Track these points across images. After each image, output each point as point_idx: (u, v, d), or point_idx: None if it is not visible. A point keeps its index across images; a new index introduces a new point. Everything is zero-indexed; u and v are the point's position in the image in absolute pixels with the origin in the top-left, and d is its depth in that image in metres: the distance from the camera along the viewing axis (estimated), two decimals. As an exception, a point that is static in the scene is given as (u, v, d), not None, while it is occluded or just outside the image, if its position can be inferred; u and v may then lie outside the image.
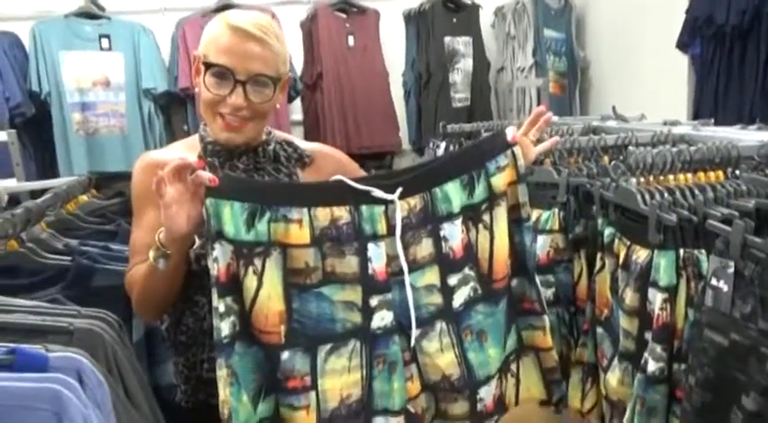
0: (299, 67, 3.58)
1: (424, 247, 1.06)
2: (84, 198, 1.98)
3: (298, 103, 3.72)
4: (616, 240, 1.30)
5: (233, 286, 0.95)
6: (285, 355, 0.97)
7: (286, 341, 0.97)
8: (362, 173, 1.34)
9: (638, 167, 1.29)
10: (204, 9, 3.36)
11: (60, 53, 3.17)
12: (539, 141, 1.23)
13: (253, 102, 1.13)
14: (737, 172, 1.32)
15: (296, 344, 0.97)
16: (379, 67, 3.71)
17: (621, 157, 1.51)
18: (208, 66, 1.12)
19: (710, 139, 1.52)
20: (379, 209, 1.02)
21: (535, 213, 1.54)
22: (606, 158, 1.64)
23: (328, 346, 0.99)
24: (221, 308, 0.94)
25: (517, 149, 1.13)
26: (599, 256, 1.36)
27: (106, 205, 2.02)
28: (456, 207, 1.07)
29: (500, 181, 1.11)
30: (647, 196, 1.20)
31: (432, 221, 1.06)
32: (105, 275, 1.49)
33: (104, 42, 3.24)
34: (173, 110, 3.55)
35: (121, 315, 1.26)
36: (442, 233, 1.07)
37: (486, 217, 1.11)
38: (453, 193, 1.07)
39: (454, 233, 1.07)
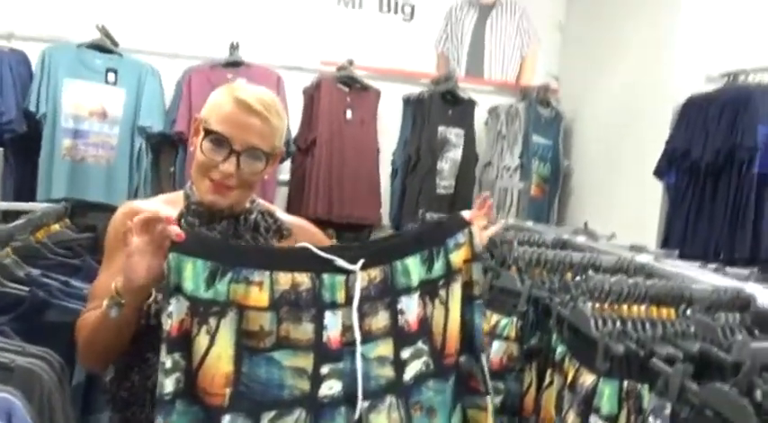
0: (295, 129, 3.66)
1: (381, 319, 1.07)
2: (56, 227, 1.98)
3: (286, 163, 3.78)
4: (566, 359, 1.33)
5: (183, 343, 0.94)
6: (226, 419, 0.94)
7: (229, 405, 0.95)
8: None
9: (596, 292, 1.34)
10: (213, 61, 3.47)
11: (65, 80, 3.21)
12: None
13: (243, 171, 1.17)
14: (689, 311, 1.38)
15: (239, 408, 0.96)
16: (372, 143, 3.82)
17: (584, 276, 1.57)
18: (207, 131, 1.17)
19: (670, 273, 1.59)
20: (341, 278, 1.03)
21: (495, 318, 1.57)
22: (570, 275, 1.70)
23: (272, 414, 0.97)
24: (168, 363, 0.93)
25: (474, 228, 1.18)
26: (549, 371, 1.39)
27: (76, 238, 2.02)
28: (415, 281, 1.10)
29: (458, 258, 1.15)
30: (600, 322, 1.24)
31: (390, 294, 1.08)
32: (59, 312, 1.48)
33: (110, 76, 3.30)
34: (163, 150, 3.59)
35: (66, 355, 1.25)
36: (399, 306, 1.08)
37: (442, 292, 1.13)
38: (413, 268, 1.10)
39: (411, 307, 1.09)
